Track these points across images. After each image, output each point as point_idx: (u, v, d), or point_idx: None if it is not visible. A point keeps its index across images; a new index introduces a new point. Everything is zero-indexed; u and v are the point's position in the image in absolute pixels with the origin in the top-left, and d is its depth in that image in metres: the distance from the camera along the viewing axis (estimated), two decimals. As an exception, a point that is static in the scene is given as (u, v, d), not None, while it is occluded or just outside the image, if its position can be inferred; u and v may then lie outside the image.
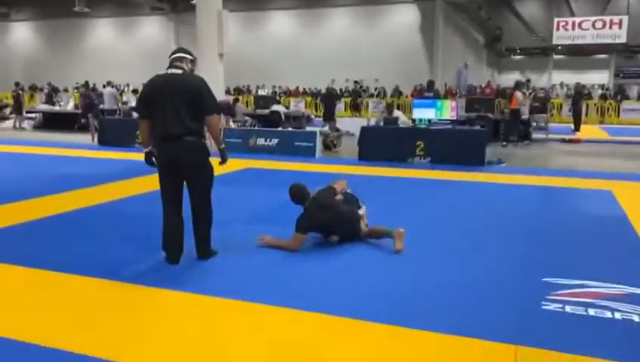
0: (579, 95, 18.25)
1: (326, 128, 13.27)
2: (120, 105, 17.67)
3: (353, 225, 4.97)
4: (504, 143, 13.29)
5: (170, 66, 4.43)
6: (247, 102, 22.63)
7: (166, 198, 4.45)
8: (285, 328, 3.30)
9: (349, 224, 4.96)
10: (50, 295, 3.82)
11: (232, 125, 14.01)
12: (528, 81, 22.89)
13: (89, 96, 15.76)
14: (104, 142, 13.10)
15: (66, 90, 29.84)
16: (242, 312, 3.52)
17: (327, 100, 16.06)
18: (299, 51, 30.63)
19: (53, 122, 18.60)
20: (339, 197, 5.06)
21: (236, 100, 17.87)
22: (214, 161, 4.55)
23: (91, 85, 20.86)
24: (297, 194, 4.95)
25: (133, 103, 17.32)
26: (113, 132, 13.19)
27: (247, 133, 12.46)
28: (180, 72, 4.38)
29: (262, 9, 31.92)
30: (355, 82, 25.10)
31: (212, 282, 4.05)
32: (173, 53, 4.55)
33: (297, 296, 3.75)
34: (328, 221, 4.88)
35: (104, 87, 19.39)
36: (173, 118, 4.24)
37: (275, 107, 15.98)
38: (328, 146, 12.58)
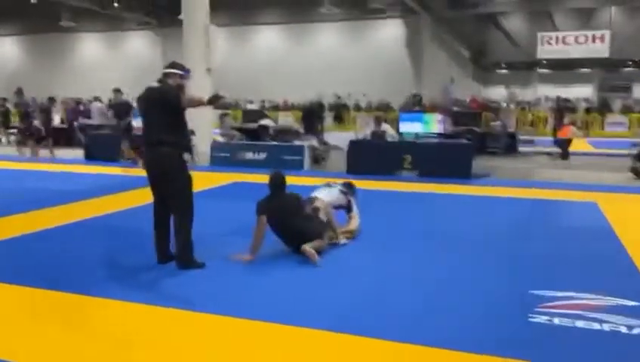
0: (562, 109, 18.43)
1: (314, 142, 13.28)
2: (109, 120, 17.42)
3: (301, 237, 4.90)
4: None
5: (157, 80, 4.69)
6: (235, 117, 22.59)
7: (153, 199, 4.74)
8: (253, 341, 3.26)
9: (296, 234, 4.92)
10: (14, 308, 3.75)
11: None
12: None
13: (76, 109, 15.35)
14: (91, 156, 12.98)
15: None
16: (203, 325, 3.48)
17: (308, 114, 15.94)
18: (287, 66, 30.77)
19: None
20: (309, 210, 5.12)
21: (225, 115, 17.82)
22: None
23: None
24: (275, 180, 5.02)
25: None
26: (100, 147, 13.08)
27: (235, 147, 12.43)
28: (157, 85, 4.63)
29: (249, 23, 32.07)
30: (338, 97, 25.42)
31: (180, 294, 4.03)
32: (164, 67, 4.80)
33: (266, 308, 3.72)
34: (277, 217, 4.89)
35: (90, 102, 19.21)
36: (148, 128, 4.61)
37: (264, 121, 15.96)
38: (317, 160, 12.58)
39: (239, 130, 15.99)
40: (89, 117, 16.37)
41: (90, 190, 8.62)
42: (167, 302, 3.84)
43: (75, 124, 16.53)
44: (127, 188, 8.64)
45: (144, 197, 7.97)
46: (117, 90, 10.66)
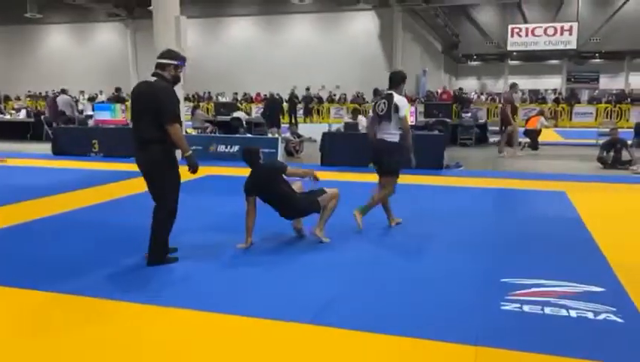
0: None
1: (288, 134, 13.25)
2: (76, 113, 17.08)
3: (289, 206, 5.10)
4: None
5: (153, 73, 4.45)
6: (207, 109, 22.41)
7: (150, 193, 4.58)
8: (235, 336, 3.24)
9: (283, 203, 5.07)
10: (-1, 311, 3.66)
11: None
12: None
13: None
14: (59, 151, 12.69)
15: (18, 99, 28.90)
16: (178, 321, 3.45)
17: (272, 106, 15.88)
18: (259, 58, 30.52)
19: (2, 131, 17.86)
20: (288, 178, 5.18)
21: (196, 107, 17.67)
22: (184, 170, 4.51)
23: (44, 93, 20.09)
24: (247, 155, 5.08)
25: (89, 112, 16.88)
26: (68, 141, 12.81)
27: (207, 139, 12.31)
28: (153, 79, 4.39)
29: (221, 15, 31.68)
30: (307, 89, 25.41)
31: (149, 291, 3.97)
32: (158, 57, 4.50)
33: (249, 303, 3.70)
34: (263, 189, 5.01)
35: (57, 94, 18.78)
36: (138, 125, 4.39)
37: (236, 114, 15.87)
38: (290, 152, 12.56)
39: (212, 122, 15.89)
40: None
41: (58, 185, 8.42)
42: (142, 298, 3.79)
43: (42, 117, 16.22)
44: (97, 183, 8.49)
45: (115, 191, 7.87)
46: None
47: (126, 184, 8.33)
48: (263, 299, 3.81)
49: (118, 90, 19.52)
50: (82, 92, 27.86)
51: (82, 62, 33.90)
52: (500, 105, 13.51)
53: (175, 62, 4.45)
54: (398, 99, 5.49)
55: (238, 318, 3.47)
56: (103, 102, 20.70)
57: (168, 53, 4.51)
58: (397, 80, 5.68)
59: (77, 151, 12.29)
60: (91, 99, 24.94)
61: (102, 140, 12.33)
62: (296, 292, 3.94)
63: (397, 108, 5.43)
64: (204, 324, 3.41)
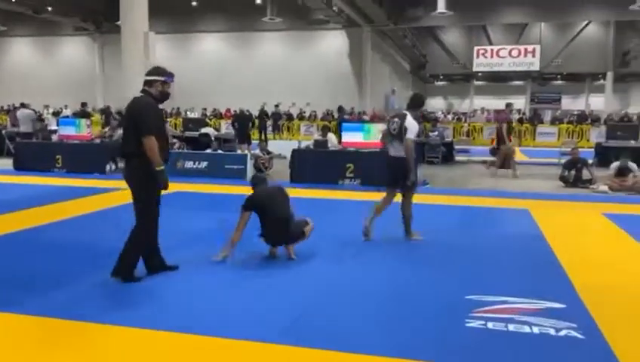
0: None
1: (257, 151, 13.22)
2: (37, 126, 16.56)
3: (287, 228, 5.13)
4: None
5: (141, 90, 4.53)
6: (175, 125, 22.22)
7: None
8: (201, 358, 3.19)
9: (281, 224, 5.09)
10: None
11: None
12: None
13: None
14: (20, 166, 12.36)
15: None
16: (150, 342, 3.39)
17: (241, 122, 15.84)
18: (229, 74, 30.51)
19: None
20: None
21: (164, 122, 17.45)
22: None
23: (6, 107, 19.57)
24: (258, 182, 5.37)
25: (53, 126, 16.52)
26: (31, 156, 12.50)
27: (174, 155, 12.17)
28: (139, 95, 4.49)
29: (190, 31, 31.61)
30: (275, 106, 25.53)
31: (115, 310, 3.88)
32: (146, 74, 4.57)
33: (216, 322, 3.66)
34: (266, 208, 5.07)
35: (15, 108, 18.29)
36: (123, 139, 4.52)
37: (205, 129, 15.76)
38: (260, 169, 12.51)
39: (179, 138, 15.73)
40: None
41: (20, 201, 8.19)
42: (107, 319, 3.70)
43: (3, 132, 15.84)
44: (60, 200, 8.29)
45: (79, 207, 7.69)
46: None
47: (90, 200, 8.13)
48: (231, 317, 3.76)
49: (84, 104, 19.20)
50: (47, 106, 27.26)
51: (48, 75, 33.30)
52: (496, 125, 14.01)
53: (162, 79, 4.50)
54: (408, 122, 5.78)
55: (206, 339, 3.42)
56: (67, 116, 20.30)
57: (155, 70, 4.58)
58: (416, 103, 6.10)
59: (40, 166, 11.98)
60: (56, 114, 24.42)
61: (65, 155, 12.09)
62: (255, 311, 3.90)
63: (406, 130, 5.73)
64: (172, 345, 3.35)
